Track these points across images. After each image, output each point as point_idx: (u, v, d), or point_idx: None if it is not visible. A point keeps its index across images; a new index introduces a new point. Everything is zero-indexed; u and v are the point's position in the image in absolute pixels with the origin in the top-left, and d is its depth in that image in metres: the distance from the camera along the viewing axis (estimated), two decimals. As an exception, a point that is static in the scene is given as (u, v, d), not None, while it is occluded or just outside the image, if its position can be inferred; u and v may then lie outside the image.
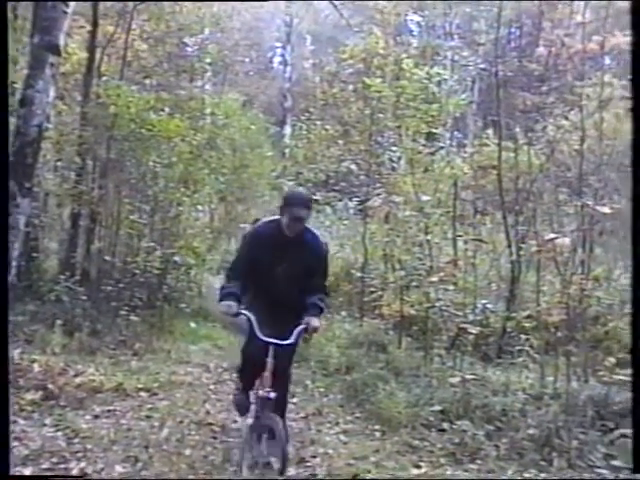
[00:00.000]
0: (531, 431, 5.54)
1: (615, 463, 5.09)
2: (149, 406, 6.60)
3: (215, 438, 5.81)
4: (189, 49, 17.35)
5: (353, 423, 6.50)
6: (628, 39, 12.60)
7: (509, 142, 9.79)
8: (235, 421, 6.34)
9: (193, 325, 10.59)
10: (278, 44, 34.08)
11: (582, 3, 10.62)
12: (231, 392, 7.39)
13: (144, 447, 5.35)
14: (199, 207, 14.05)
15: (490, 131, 11.97)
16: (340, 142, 13.34)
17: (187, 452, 5.35)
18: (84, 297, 9.12)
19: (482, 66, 15.08)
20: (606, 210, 6.41)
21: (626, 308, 8.11)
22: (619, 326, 7.93)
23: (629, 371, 5.92)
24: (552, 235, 6.66)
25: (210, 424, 6.16)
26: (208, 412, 6.57)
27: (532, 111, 10.58)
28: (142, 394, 6.99)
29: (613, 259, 9.96)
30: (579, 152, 7.66)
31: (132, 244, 11.01)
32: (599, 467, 5.08)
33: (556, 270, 6.91)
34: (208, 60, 17.86)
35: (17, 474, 4.57)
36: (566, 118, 10.19)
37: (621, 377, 5.92)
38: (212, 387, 7.60)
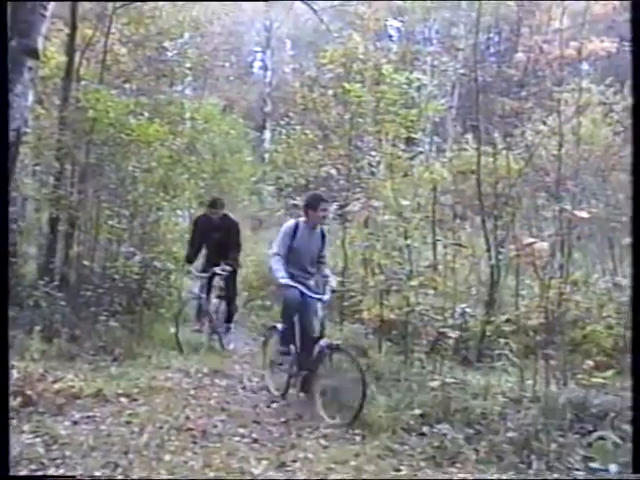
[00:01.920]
0: (510, 434, 5.57)
1: (593, 465, 5.12)
2: (129, 412, 6.55)
3: (195, 443, 5.78)
4: (169, 53, 17.34)
5: (333, 427, 6.49)
6: (605, 45, 12.73)
7: (488, 147, 9.85)
8: (215, 426, 6.33)
9: (173, 330, 10.55)
10: (258, 49, 34.21)
11: (559, 10, 10.71)
12: (211, 397, 7.42)
13: (124, 453, 5.32)
14: (179, 212, 14.02)
15: (469, 136, 12.06)
16: (320, 147, 13.34)
17: (167, 457, 5.32)
18: (63, 302, 9.06)
19: (461, 71, 15.21)
20: (584, 215, 6.48)
21: (604, 312, 8.18)
22: (597, 329, 7.97)
23: (607, 374, 6.01)
24: (530, 239, 6.72)
25: (190, 429, 6.13)
26: (188, 417, 6.54)
27: (511, 116, 10.69)
28: (122, 400, 6.94)
29: (591, 263, 10.05)
30: (557, 157, 7.73)
31: (111, 249, 10.96)
32: (577, 469, 5.11)
33: (535, 274, 6.96)
34: (188, 64, 17.86)
35: (18, 474, 4.56)
36: (544, 123, 10.30)
37: (599, 380, 5.98)
38: (192, 392, 7.55)
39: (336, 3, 19.84)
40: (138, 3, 14.38)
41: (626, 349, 7.21)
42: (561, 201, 7.07)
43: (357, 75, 11.50)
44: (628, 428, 5.04)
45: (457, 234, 10.30)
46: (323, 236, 7.74)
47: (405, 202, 9.47)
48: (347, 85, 10.89)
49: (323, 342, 7.06)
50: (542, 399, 5.95)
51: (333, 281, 7.53)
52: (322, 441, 6.05)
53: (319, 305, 7.19)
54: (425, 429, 6.09)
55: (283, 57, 32.91)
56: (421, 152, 12.22)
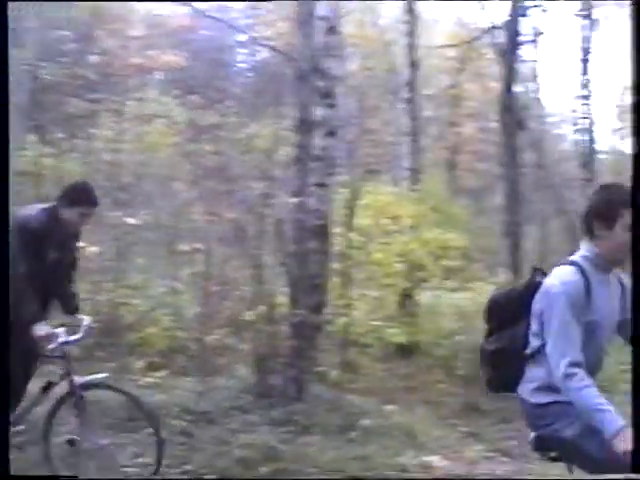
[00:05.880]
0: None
1: (142, 460, 5.30)
2: None
3: None
4: None
5: None
6: (176, 58, 12.97)
7: (52, 148, 9.64)
8: None
9: None
10: None
11: (137, 18, 10.92)
12: None
13: None
14: None
15: (33, 136, 11.65)
16: None
17: None
18: None
19: (27, 67, 14.59)
20: (133, 221, 6.68)
21: (159, 314, 8.43)
22: (153, 332, 8.16)
23: (161, 374, 6.31)
24: (81, 243, 6.78)
25: None
26: None
27: (78, 118, 10.55)
28: None
29: (150, 268, 10.26)
30: (118, 163, 7.86)
31: None
32: (129, 466, 5.25)
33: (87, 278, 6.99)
34: None
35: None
36: (111, 129, 10.38)
37: (153, 379, 6.26)
38: None
39: None
40: None
41: (180, 350, 7.64)
42: (121, 207, 7.20)
43: None
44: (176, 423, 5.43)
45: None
46: (623, 286, 3.31)
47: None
48: None
49: None
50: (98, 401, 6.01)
51: None
52: None
53: None
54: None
55: None
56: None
